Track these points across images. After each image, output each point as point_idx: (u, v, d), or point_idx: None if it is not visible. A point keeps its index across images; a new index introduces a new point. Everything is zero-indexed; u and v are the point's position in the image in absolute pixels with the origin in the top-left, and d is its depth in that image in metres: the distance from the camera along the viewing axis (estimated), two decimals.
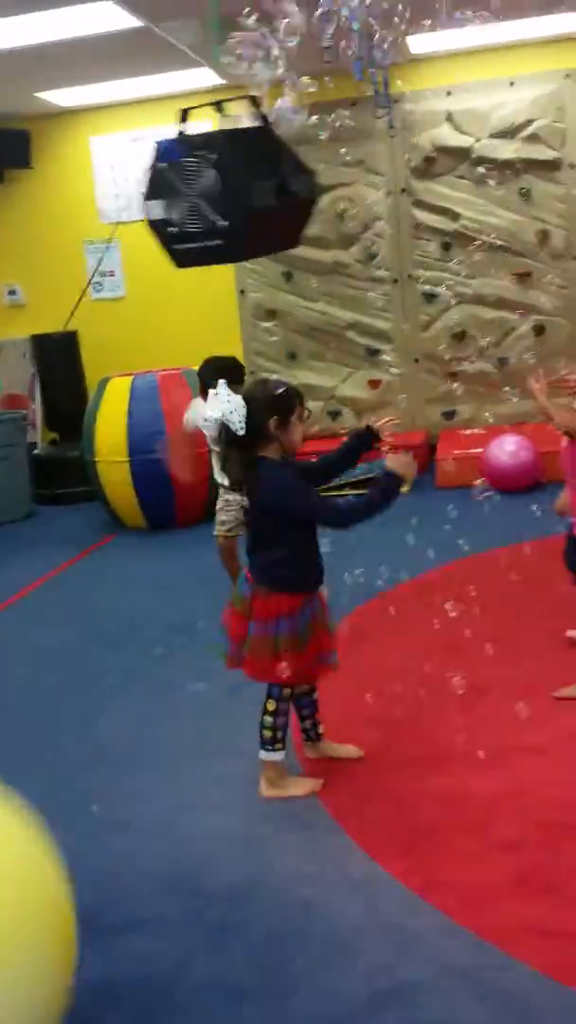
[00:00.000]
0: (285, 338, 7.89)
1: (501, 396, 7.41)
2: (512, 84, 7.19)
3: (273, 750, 2.93)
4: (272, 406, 2.80)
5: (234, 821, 2.86)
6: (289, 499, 2.83)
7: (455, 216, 7.46)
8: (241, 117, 3.99)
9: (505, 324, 7.53)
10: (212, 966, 2.26)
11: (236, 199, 3.68)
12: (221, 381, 2.78)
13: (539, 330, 7.46)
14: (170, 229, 3.79)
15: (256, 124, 3.94)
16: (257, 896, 2.49)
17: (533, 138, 7.23)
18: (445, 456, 6.92)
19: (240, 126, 3.98)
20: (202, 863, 2.67)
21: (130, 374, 6.60)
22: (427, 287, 7.63)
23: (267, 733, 2.92)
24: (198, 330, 7.72)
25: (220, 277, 7.48)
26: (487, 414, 7.43)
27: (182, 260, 3.90)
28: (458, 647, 3.87)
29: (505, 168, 7.28)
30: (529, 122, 7.21)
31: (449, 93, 7.29)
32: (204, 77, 6.94)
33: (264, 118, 3.97)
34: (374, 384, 7.88)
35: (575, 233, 7.32)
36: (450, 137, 7.35)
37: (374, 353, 7.83)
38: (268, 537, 2.86)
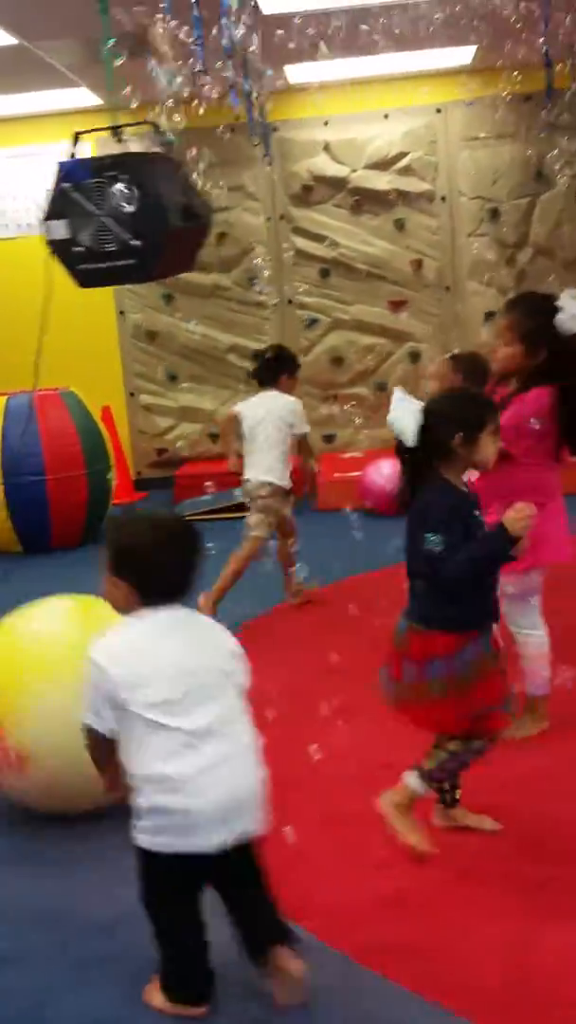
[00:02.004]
0: (166, 360, 7.86)
1: (379, 420, 7.56)
2: (386, 117, 7.41)
3: (427, 783, 2.56)
4: (458, 419, 2.44)
5: None
6: (419, 528, 2.45)
7: (333, 244, 7.60)
8: (129, 141, 4.01)
9: (382, 350, 7.71)
10: (79, 999, 2.20)
11: (151, 219, 3.70)
12: (397, 388, 2.52)
13: (414, 356, 7.66)
14: (75, 249, 3.77)
15: (156, 149, 3.99)
16: (122, 929, 2.43)
17: (407, 170, 7.46)
18: (326, 479, 7.01)
19: (132, 149, 4.01)
20: (68, 894, 2.60)
21: (4, 394, 6.45)
22: (306, 312, 7.75)
23: (431, 765, 2.55)
24: (76, 350, 7.61)
25: (99, 298, 7.40)
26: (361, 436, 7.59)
27: (86, 280, 3.88)
28: (330, 669, 3.91)
29: (380, 198, 7.48)
30: (403, 155, 7.43)
31: (326, 123, 7.46)
32: (81, 97, 6.89)
33: (165, 143, 4.01)
34: None
35: (447, 263, 7.57)
36: (327, 167, 7.51)
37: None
38: (415, 564, 2.50)
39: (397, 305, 7.64)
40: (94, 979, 2.27)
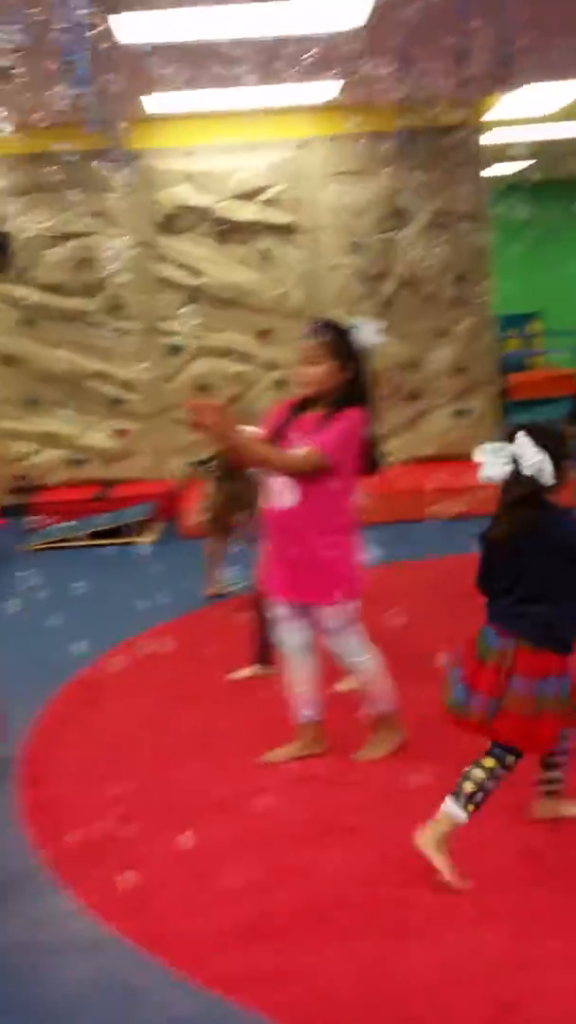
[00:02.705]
0: (23, 384, 7.69)
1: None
2: (251, 149, 7.51)
3: (464, 809, 2.52)
4: (562, 449, 2.53)
5: None
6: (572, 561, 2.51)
7: (197, 273, 7.63)
8: None
9: (247, 377, 7.77)
10: None
11: None
12: (521, 433, 2.50)
13: (279, 384, 7.75)
14: None
15: None
16: None
17: (271, 202, 7.58)
18: (190, 506, 6.97)
19: None
20: None
21: None
22: (171, 339, 7.74)
23: (470, 787, 2.52)
24: None
25: None
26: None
27: None
28: (193, 697, 3.91)
29: (245, 229, 7.57)
30: (267, 187, 7.55)
31: (190, 153, 7.50)
32: None
33: None
34: (120, 433, 7.84)
35: (311, 293, 7.71)
36: (191, 196, 7.55)
37: (118, 402, 7.80)
38: (541, 588, 2.51)
39: (263, 333, 7.73)
40: None
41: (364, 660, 3.24)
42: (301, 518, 3.06)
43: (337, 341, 3.08)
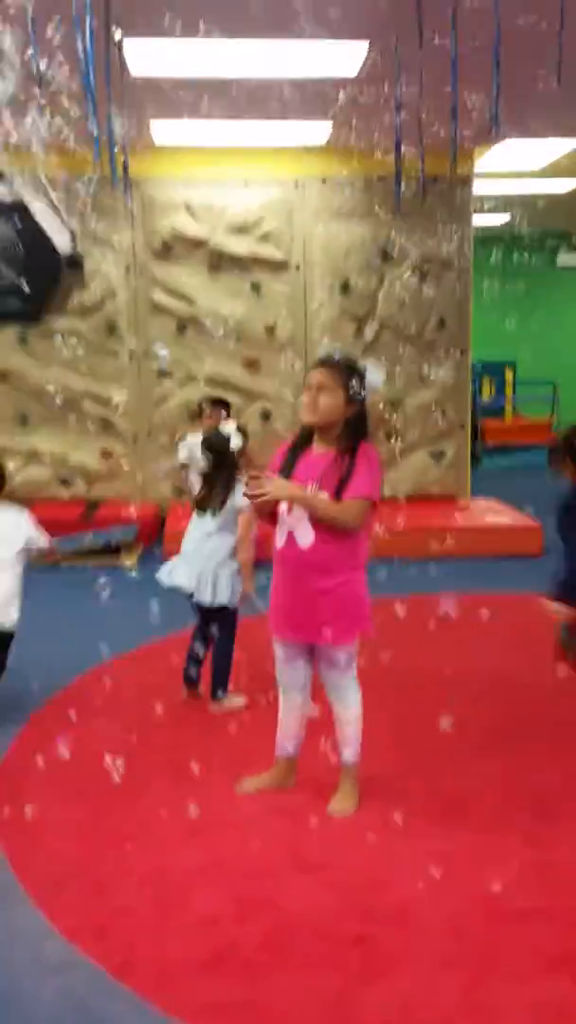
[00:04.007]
0: (17, 400, 7.76)
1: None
2: (246, 185, 7.67)
3: None
4: None
5: None
6: None
7: (190, 301, 7.76)
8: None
9: (235, 407, 7.88)
10: None
11: (44, 262, 3.70)
12: None
13: (265, 415, 7.88)
14: None
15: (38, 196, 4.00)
16: None
17: (264, 238, 7.73)
18: (176, 528, 7.05)
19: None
20: None
21: None
22: (159, 363, 7.85)
23: None
24: None
25: None
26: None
27: None
28: (167, 722, 3.97)
29: (238, 262, 7.72)
30: (260, 222, 7.71)
31: (188, 184, 7.65)
32: None
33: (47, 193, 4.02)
34: (106, 454, 7.92)
35: (298, 328, 7.86)
36: (188, 226, 7.69)
37: (107, 424, 7.89)
38: None
39: (251, 364, 7.86)
40: None
41: (357, 700, 3.27)
42: (321, 557, 3.06)
43: (347, 375, 3.10)
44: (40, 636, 5.10)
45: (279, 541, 3.17)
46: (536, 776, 3.51)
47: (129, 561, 6.88)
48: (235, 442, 4.23)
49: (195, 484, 5.53)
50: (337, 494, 3.04)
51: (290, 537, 3.12)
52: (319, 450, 3.15)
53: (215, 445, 4.23)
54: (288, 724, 3.36)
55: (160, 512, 7.80)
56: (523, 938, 2.56)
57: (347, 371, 3.12)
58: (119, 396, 7.85)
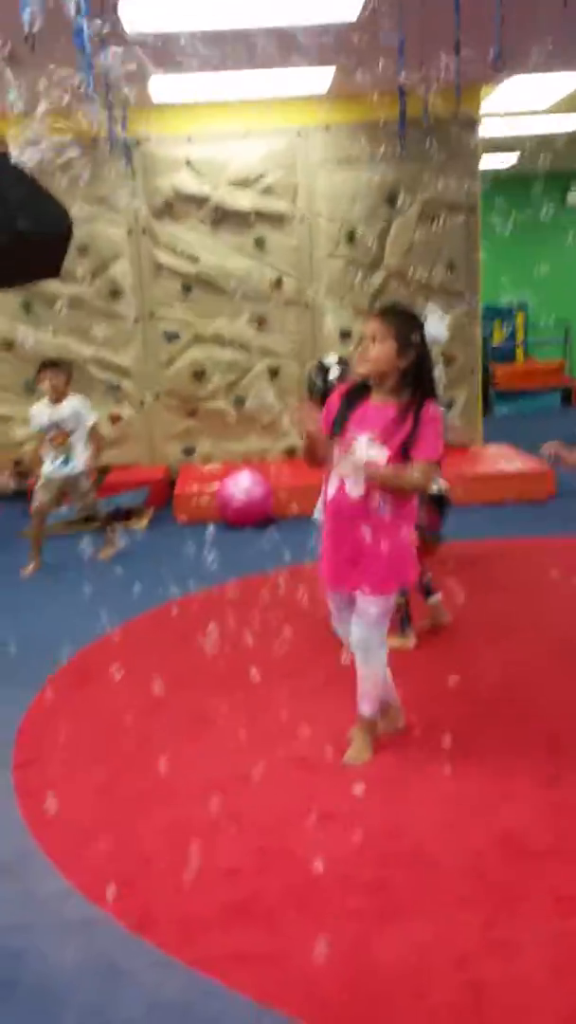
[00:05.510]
0: (22, 369, 7.72)
1: (237, 434, 7.70)
2: (247, 137, 7.52)
3: None
4: None
5: None
6: None
7: (194, 259, 7.66)
8: None
9: (242, 365, 7.82)
10: None
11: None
12: None
13: (273, 372, 7.80)
14: None
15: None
16: None
17: (267, 190, 7.60)
18: (185, 491, 7.04)
19: None
20: None
21: None
22: (167, 326, 7.78)
23: None
24: None
25: None
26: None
27: None
28: (185, 681, 3.97)
29: (241, 217, 7.59)
30: (263, 175, 7.57)
31: (189, 140, 7.51)
32: None
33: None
34: (115, 418, 7.89)
35: (305, 282, 7.75)
36: (190, 183, 7.57)
37: (115, 388, 7.85)
38: None
39: (259, 321, 7.77)
40: None
41: (381, 659, 3.25)
42: (371, 508, 3.03)
43: (400, 325, 3.03)
44: (53, 603, 5.12)
45: (330, 490, 3.14)
46: (549, 719, 3.49)
47: (140, 525, 6.88)
48: (335, 373, 4.18)
49: (45, 454, 5.77)
50: (403, 454, 2.99)
51: (341, 486, 3.09)
52: (376, 401, 3.09)
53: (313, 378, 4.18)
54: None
55: (171, 475, 7.77)
56: (540, 877, 2.56)
57: (400, 320, 3.05)
58: (126, 360, 7.79)
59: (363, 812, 2.93)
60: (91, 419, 5.80)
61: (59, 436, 5.74)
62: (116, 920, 2.50)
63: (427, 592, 4.37)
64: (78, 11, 4.04)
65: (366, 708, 3.28)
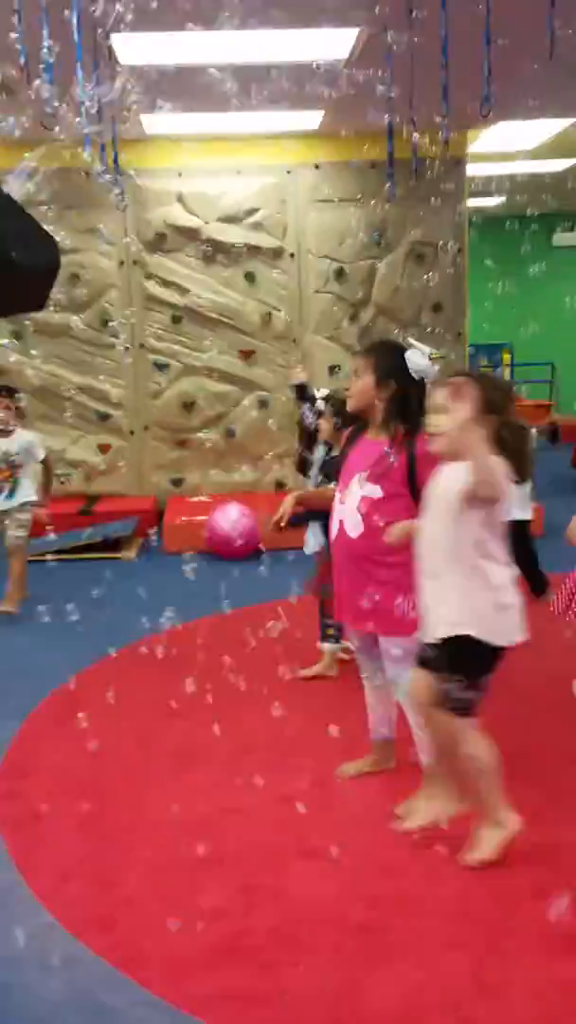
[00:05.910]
0: None
1: (227, 465, 7.72)
2: (239, 173, 7.62)
3: None
4: None
5: None
6: None
7: (184, 291, 7.73)
8: None
9: (231, 397, 7.87)
10: None
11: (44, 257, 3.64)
12: None
13: (262, 404, 7.85)
14: None
15: None
16: None
17: (258, 226, 7.69)
18: (174, 521, 7.05)
19: None
20: None
21: None
22: (157, 357, 7.82)
23: None
24: None
25: None
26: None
27: None
28: (177, 711, 3.96)
29: (232, 251, 7.68)
30: (254, 210, 7.66)
31: (180, 174, 7.60)
32: None
33: None
34: (104, 448, 7.90)
35: (294, 317, 7.82)
36: (180, 216, 7.65)
37: (104, 418, 7.87)
38: None
39: (247, 354, 7.83)
40: None
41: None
42: (369, 548, 3.02)
43: (378, 358, 3.07)
44: (42, 630, 5.10)
45: (332, 530, 3.18)
46: (541, 756, 3.50)
47: (128, 554, 6.87)
48: (322, 406, 4.22)
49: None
50: (412, 495, 2.96)
51: (341, 527, 3.12)
52: (371, 437, 3.13)
53: (337, 403, 4.09)
54: (375, 708, 3.35)
55: (158, 505, 7.78)
56: (529, 918, 2.55)
57: (378, 354, 3.10)
58: (115, 390, 7.82)
59: (350, 850, 2.90)
60: (41, 454, 5.65)
61: (6, 470, 5.55)
62: (101, 958, 2.47)
63: None
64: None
65: (423, 757, 3.15)
